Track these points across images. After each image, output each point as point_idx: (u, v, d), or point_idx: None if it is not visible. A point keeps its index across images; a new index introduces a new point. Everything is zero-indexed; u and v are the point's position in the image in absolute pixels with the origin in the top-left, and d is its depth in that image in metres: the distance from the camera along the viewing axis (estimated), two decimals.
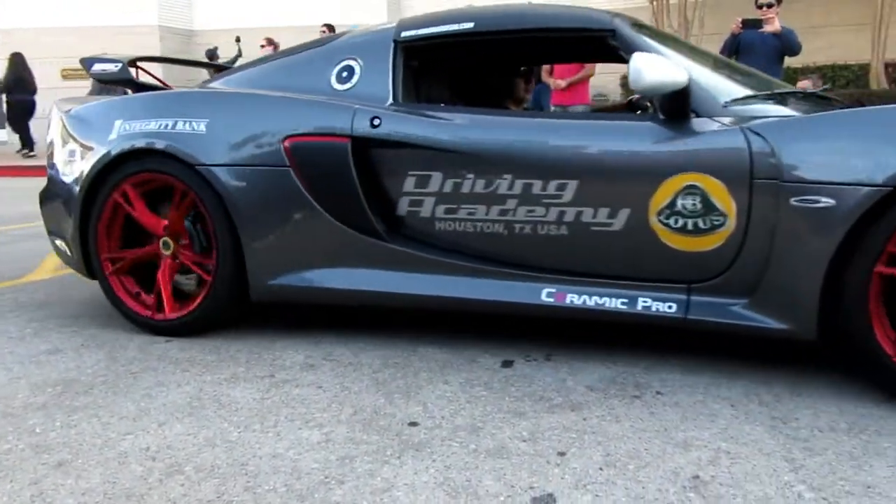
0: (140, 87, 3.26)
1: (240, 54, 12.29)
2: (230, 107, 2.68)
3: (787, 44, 5.74)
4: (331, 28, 9.95)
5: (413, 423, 1.96)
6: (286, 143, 2.51)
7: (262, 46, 10.12)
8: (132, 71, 3.28)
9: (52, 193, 2.96)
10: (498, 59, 3.41)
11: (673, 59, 2.28)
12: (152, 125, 2.63)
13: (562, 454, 1.78)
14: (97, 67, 3.18)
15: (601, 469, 1.70)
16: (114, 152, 2.65)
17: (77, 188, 2.76)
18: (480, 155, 2.39)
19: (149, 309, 2.74)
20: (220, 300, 2.66)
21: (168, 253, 2.72)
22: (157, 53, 15.15)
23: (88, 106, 2.95)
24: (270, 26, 12.90)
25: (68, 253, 2.92)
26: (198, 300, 2.67)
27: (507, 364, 2.39)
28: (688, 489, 1.60)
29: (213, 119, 2.61)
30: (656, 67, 2.14)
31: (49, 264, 4.07)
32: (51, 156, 2.97)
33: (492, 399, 2.12)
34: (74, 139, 2.84)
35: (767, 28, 5.68)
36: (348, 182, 2.48)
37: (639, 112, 3.07)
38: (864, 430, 1.87)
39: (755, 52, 5.69)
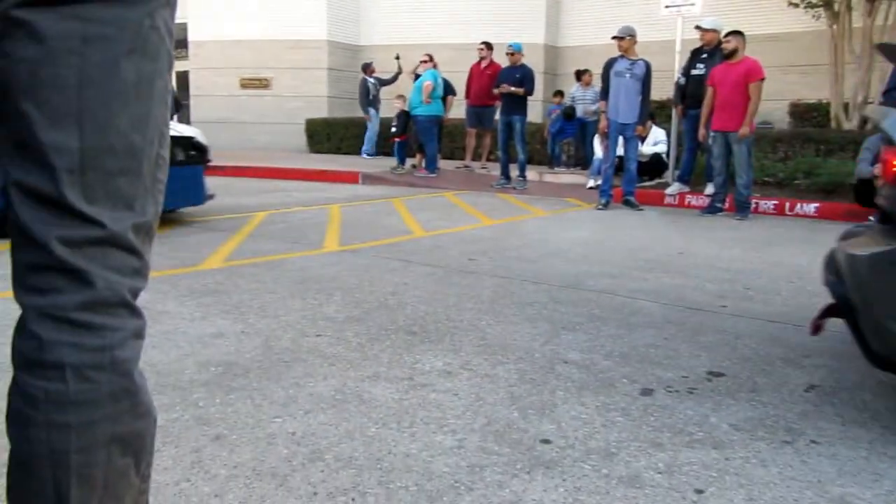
0: None
1: (400, 71, 12.81)
2: None
3: None
4: (489, 46, 10.14)
5: (545, 441, 1.95)
6: None
7: (423, 62, 10.49)
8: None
9: None
10: None
11: None
12: None
13: (700, 492, 1.70)
14: None
15: None
16: None
17: None
18: None
19: None
20: None
21: None
22: (324, 66, 16.14)
23: None
24: (429, 43, 13.30)
25: None
26: None
27: (646, 392, 2.33)
28: None
29: None
30: None
31: (219, 255, 4.41)
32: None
33: (628, 426, 2.07)
34: None
35: None
36: None
37: None
38: None
39: None
